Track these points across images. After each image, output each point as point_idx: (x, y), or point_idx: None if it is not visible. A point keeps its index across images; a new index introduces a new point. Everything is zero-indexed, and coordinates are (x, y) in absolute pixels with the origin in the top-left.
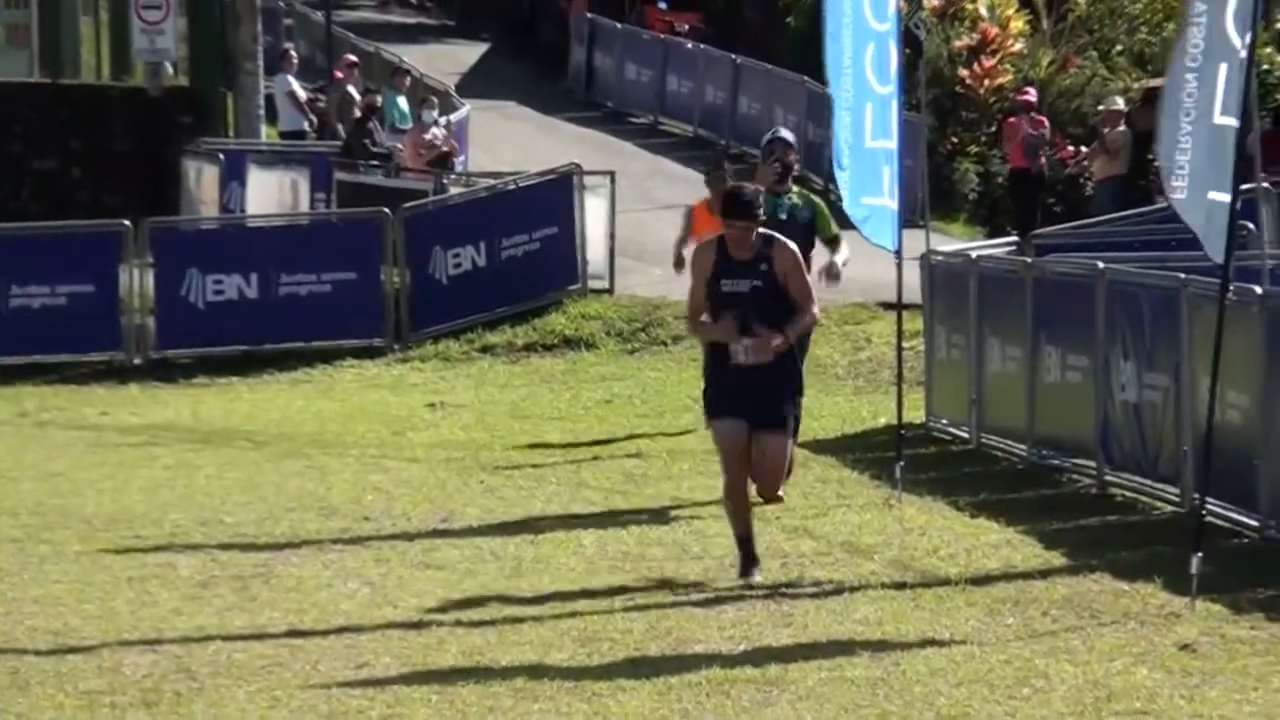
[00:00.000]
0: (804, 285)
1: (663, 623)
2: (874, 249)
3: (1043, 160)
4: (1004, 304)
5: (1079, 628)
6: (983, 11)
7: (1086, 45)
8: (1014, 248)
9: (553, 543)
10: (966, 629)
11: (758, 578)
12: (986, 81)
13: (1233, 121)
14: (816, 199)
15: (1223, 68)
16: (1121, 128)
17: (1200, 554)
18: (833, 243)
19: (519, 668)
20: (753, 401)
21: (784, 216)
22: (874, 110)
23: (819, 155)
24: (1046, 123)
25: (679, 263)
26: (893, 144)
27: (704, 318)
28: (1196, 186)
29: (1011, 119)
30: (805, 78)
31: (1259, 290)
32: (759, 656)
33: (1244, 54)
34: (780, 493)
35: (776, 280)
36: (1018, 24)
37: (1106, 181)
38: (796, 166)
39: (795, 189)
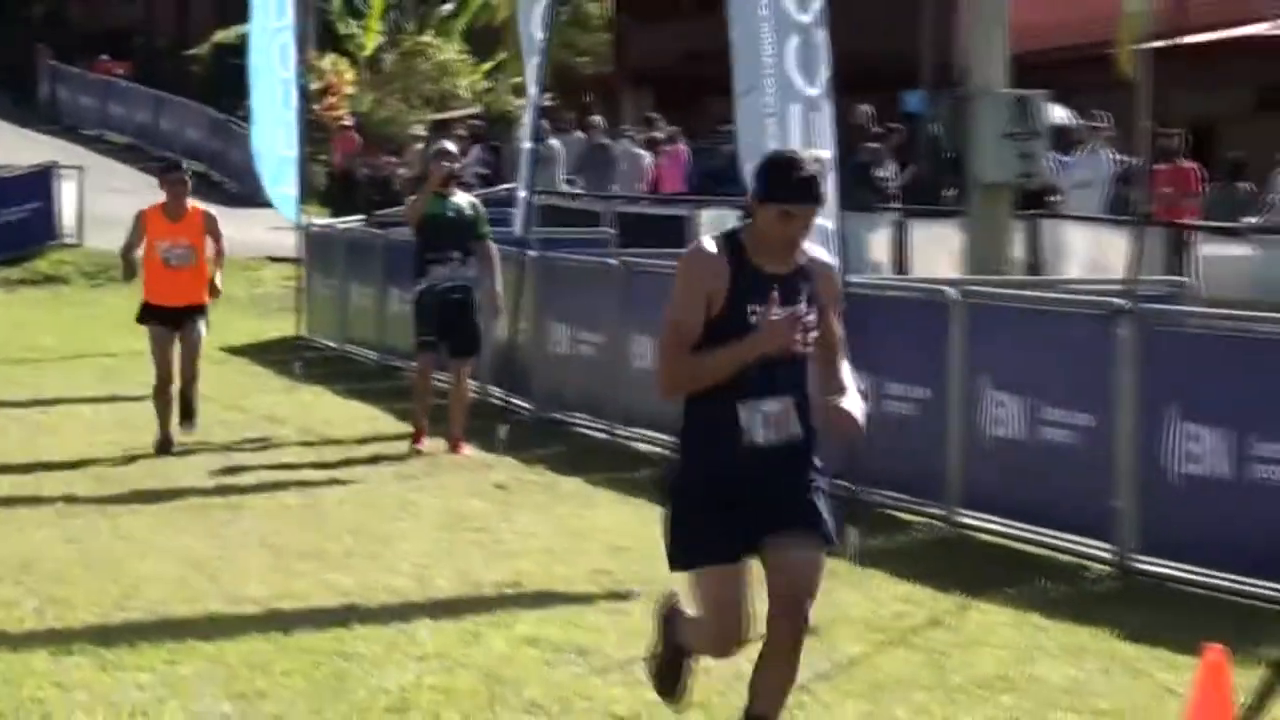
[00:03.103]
0: (837, 325)
1: (155, 468)
2: (263, 222)
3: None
4: (360, 260)
5: (434, 473)
6: (327, 66)
7: (395, 90)
8: (364, 223)
9: (60, 414)
10: (357, 473)
11: None
12: (330, 112)
13: None
14: (476, 200)
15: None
16: (419, 146)
17: (506, 425)
18: (482, 239)
19: (56, 497)
20: (771, 496)
21: (451, 214)
22: (284, 129)
23: (222, 160)
24: (358, 139)
25: (130, 271)
26: (294, 152)
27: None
28: None
29: (337, 136)
30: (207, 107)
31: (532, 254)
32: (225, 489)
33: None
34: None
35: (817, 313)
36: (349, 75)
37: (410, 180)
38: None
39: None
